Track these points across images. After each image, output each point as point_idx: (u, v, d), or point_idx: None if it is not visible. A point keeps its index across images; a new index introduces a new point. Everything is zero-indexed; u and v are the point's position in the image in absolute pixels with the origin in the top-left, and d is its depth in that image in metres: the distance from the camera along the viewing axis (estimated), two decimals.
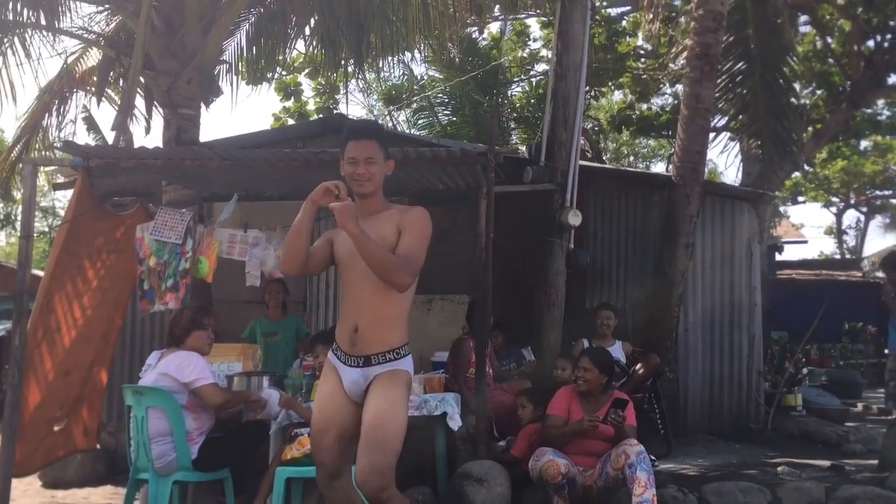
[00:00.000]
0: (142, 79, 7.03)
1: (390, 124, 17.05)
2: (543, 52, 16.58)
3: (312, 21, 7.74)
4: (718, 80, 9.20)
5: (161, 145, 6.55)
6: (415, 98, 15.85)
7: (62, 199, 22.16)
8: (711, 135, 10.03)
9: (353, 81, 12.50)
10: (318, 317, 7.82)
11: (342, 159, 3.46)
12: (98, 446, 5.99)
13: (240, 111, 65.81)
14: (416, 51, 8.92)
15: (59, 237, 5.51)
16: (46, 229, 24.63)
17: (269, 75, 10.10)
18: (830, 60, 14.91)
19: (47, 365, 5.33)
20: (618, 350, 7.05)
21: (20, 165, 8.67)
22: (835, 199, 29.98)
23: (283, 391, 5.29)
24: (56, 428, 5.44)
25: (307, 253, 3.41)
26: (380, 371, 3.36)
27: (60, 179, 8.61)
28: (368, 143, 3.41)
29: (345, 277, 3.49)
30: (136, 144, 7.66)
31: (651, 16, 10.60)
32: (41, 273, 5.96)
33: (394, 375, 3.36)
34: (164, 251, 5.76)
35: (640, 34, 15.74)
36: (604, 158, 19.16)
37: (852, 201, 30.27)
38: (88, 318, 5.58)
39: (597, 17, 14.07)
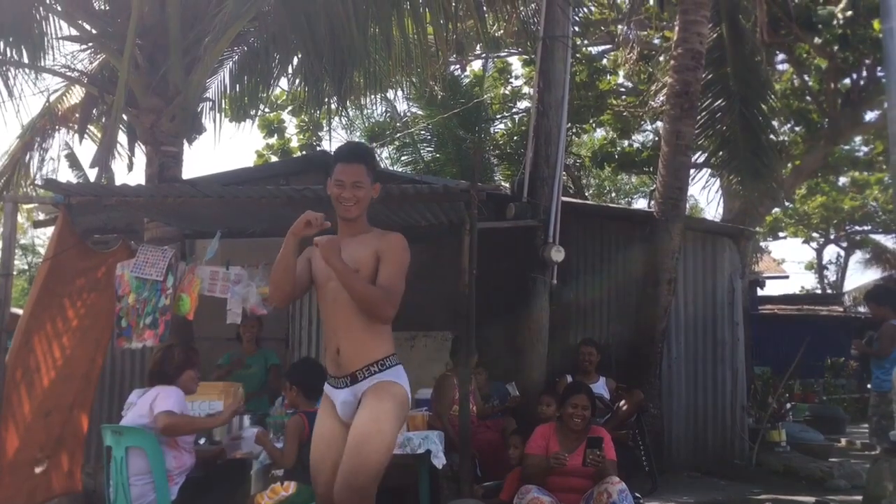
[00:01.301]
0: (124, 116, 7.03)
1: None
2: (525, 90, 16.73)
3: (295, 59, 7.78)
4: (698, 117, 9.29)
5: (143, 182, 6.53)
6: (398, 135, 15.92)
7: (42, 237, 22.00)
8: (692, 171, 10.10)
9: (336, 118, 12.59)
10: (301, 353, 7.76)
11: (330, 179, 3.46)
12: (81, 489, 5.84)
13: (223, 148, 65.89)
14: (398, 88, 8.98)
15: (40, 275, 5.46)
16: (26, 267, 24.40)
17: (252, 112, 10.13)
18: (808, 98, 15.13)
19: (26, 407, 5.25)
20: (601, 386, 7.04)
21: (0, 203, 8.63)
22: (815, 235, 30.24)
23: (265, 429, 5.24)
24: (38, 470, 5.33)
25: (294, 284, 3.42)
26: (368, 386, 3.34)
27: (41, 217, 8.57)
28: (357, 167, 3.43)
29: (321, 297, 3.49)
30: (119, 181, 7.66)
31: (629, 52, 10.73)
32: (20, 311, 5.89)
33: (380, 389, 3.32)
34: (144, 288, 5.73)
35: (620, 72, 15.94)
36: (586, 194, 19.28)
37: (832, 237, 30.54)
38: (68, 357, 5.52)
39: (577, 55, 14.24)
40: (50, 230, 6.03)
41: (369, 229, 3.53)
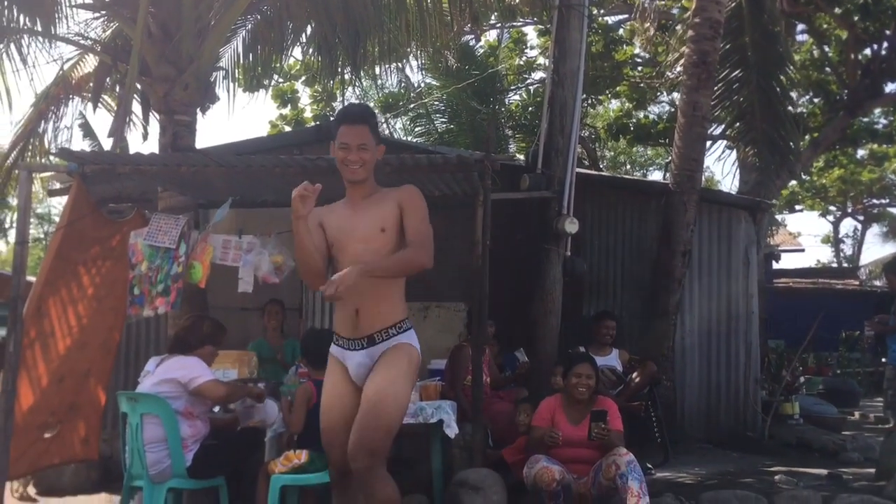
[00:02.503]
0: (138, 85, 7.01)
1: (387, 131, 17.05)
2: (540, 60, 16.60)
3: (309, 28, 7.73)
4: (715, 88, 9.20)
5: (157, 151, 6.54)
6: (412, 105, 15.85)
7: (57, 206, 22.06)
8: (708, 143, 10.04)
9: (350, 89, 12.54)
10: (315, 323, 7.81)
11: (333, 142, 3.45)
12: (97, 457, 5.90)
13: (236, 118, 65.74)
14: (412, 58, 8.92)
15: (54, 243, 5.48)
16: (42, 236, 24.57)
17: (266, 82, 10.09)
18: (827, 69, 14.94)
19: (40, 368, 5.28)
20: (614, 358, 7.03)
21: (16, 172, 8.65)
22: (832, 208, 30.04)
23: (279, 398, 5.27)
24: (46, 435, 5.38)
25: (325, 263, 3.41)
26: (385, 348, 3.37)
27: (56, 186, 8.58)
28: (361, 128, 3.41)
29: (339, 259, 3.47)
30: (134, 150, 7.65)
31: (647, 23, 10.62)
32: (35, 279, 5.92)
33: (397, 351, 3.37)
34: (156, 256, 5.74)
35: (637, 42, 15.76)
36: (601, 166, 19.18)
37: (849, 210, 30.33)
38: (84, 325, 5.54)
39: (594, 25, 14.09)
40: (65, 199, 6.03)
41: (378, 189, 3.52)
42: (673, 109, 15.64)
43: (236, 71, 8.72)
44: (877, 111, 16.38)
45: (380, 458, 3.20)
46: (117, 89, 8.41)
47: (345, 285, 3.09)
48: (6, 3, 6.88)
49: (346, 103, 17.27)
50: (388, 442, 3.24)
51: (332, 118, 15.83)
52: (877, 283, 18.56)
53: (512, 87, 17.02)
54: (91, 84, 8.44)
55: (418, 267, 3.28)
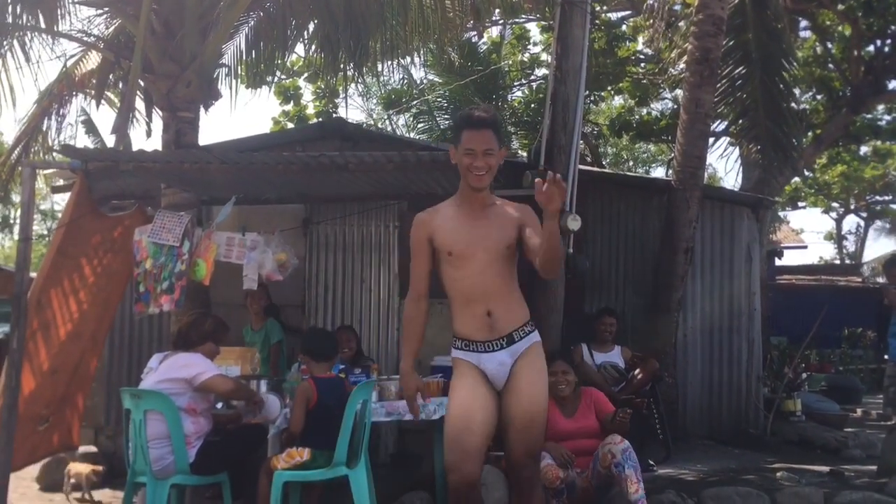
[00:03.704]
0: (141, 82, 7.02)
1: (390, 128, 17.06)
2: (543, 57, 16.58)
3: (312, 25, 7.73)
4: (718, 85, 9.18)
5: (160, 148, 6.55)
6: (414, 102, 15.85)
7: (61, 203, 22.13)
8: (711, 139, 10.01)
9: (353, 85, 12.53)
10: (317, 320, 7.82)
11: (455, 147, 3.41)
12: (78, 444, 5.93)
13: (239, 115, 65.90)
14: (415, 55, 8.91)
15: (56, 239, 5.50)
16: (45, 232, 24.62)
17: (269, 79, 10.09)
18: (830, 65, 14.91)
19: (42, 356, 5.31)
20: (617, 355, 7.05)
21: (19, 169, 8.66)
22: (835, 205, 30.01)
23: (281, 395, 5.29)
24: (40, 427, 5.41)
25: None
26: (528, 344, 3.50)
27: (59, 182, 8.59)
28: (487, 133, 3.37)
29: (462, 267, 3.45)
30: (137, 147, 7.67)
31: (654, 23, 10.61)
32: None
33: (537, 349, 3.53)
34: (160, 254, 5.75)
35: (640, 39, 15.75)
36: (603, 163, 19.18)
37: (852, 206, 30.31)
38: (84, 312, 5.56)
39: (597, 21, 14.07)
40: (68, 195, 6.04)
41: (495, 199, 3.54)
42: (676, 106, 15.63)
43: (239, 67, 8.72)
44: (880, 108, 16.35)
45: (539, 459, 3.52)
46: (120, 86, 8.41)
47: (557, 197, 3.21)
48: (10, 0, 6.89)
49: (348, 100, 17.33)
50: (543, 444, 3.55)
51: (334, 114, 15.88)
52: (879, 279, 18.54)
53: (514, 84, 17.01)
54: (94, 81, 8.45)
55: (559, 265, 3.47)
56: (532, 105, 15.89)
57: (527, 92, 16.83)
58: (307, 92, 17.26)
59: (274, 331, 7.04)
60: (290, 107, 17.22)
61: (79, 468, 6.12)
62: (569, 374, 5.19)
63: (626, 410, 4.96)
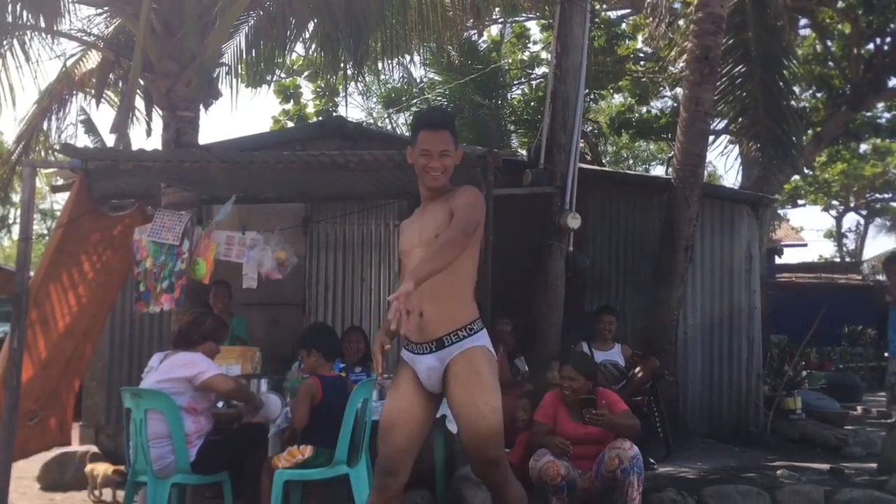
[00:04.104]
0: (141, 81, 7.02)
1: (390, 127, 17.06)
2: (543, 55, 16.59)
3: (311, 23, 7.73)
4: (718, 83, 9.18)
5: (160, 147, 6.54)
6: (414, 101, 15.84)
7: (61, 202, 22.11)
8: (711, 138, 10.01)
9: (353, 84, 12.51)
10: (317, 317, 7.83)
11: (412, 147, 3.40)
12: (70, 442, 5.93)
13: (239, 114, 65.89)
14: (415, 53, 8.91)
15: (54, 239, 5.50)
16: (45, 232, 24.62)
17: (269, 78, 10.08)
18: (830, 63, 14.91)
19: (40, 346, 5.31)
20: (617, 353, 7.05)
21: (19, 168, 8.66)
22: (834, 203, 29.99)
23: (282, 394, 5.29)
24: (30, 422, 5.40)
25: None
26: (458, 351, 3.28)
27: (59, 182, 8.59)
28: (442, 134, 3.36)
29: (407, 264, 3.46)
30: (138, 146, 7.67)
31: (655, 20, 10.60)
32: None
33: (474, 356, 3.28)
34: (161, 253, 5.75)
35: (639, 37, 15.75)
36: (603, 161, 19.15)
37: (852, 204, 30.29)
38: (82, 307, 5.56)
39: (596, 19, 14.07)
40: (68, 195, 6.04)
41: (449, 189, 3.45)
42: (675, 104, 15.62)
43: (239, 66, 8.71)
44: (880, 106, 16.35)
45: (506, 465, 3.25)
46: (120, 85, 8.41)
47: (404, 306, 2.87)
48: None
49: (348, 98, 17.33)
50: (502, 447, 3.26)
51: (334, 113, 15.88)
52: (880, 277, 18.54)
53: (514, 83, 17.01)
54: (94, 80, 8.45)
55: (458, 245, 3.10)
56: (532, 103, 15.89)
57: (527, 90, 16.83)
58: (307, 91, 17.30)
59: (240, 326, 7.01)
60: (290, 105, 17.23)
61: (100, 468, 6.11)
62: (576, 381, 5.13)
63: (590, 411, 4.91)
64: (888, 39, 13.79)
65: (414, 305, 2.91)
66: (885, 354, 7.74)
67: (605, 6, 14.97)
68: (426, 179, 3.40)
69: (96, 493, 6.10)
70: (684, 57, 9.48)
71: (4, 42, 7.38)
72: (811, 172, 22.65)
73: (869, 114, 16.12)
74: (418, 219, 3.50)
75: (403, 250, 3.48)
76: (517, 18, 15.74)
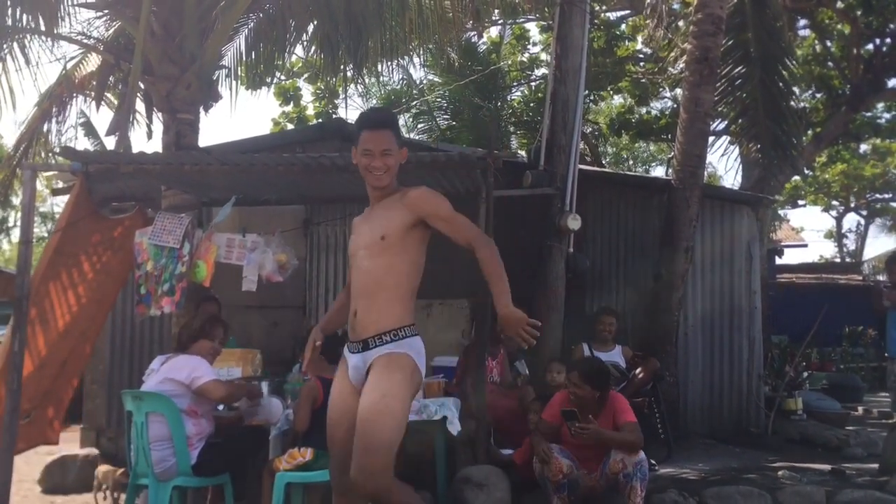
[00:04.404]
0: (141, 84, 7.02)
1: None
2: (543, 57, 16.60)
3: (311, 26, 7.73)
4: (718, 84, 9.19)
5: (160, 150, 6.55)
6: (414, 102, 15.85)
7: (61, 205, 22.10)
8: (711, 138, 10.01)
9: (353, 86, 12.53)
10: (317, 320, 7.81)
11: (355, 148, 3.40)
12: (59, 442, 5.91)
13: (239, 116, 65.85)
14: (414, 55, 8.92)
15: (52, 241, 5.51)
16: (45, 235, 24.62)
17: (269, 80, 10.11)
18: (830, 64, 14.92)
19: (39, 342, 5.31)
20: (617, 354, 7.04)
21: (20, 171, 8.66)
22: (835, 203, 30.00)
23: (283, 397, 5.29)
24: (22, 422, 5.39)
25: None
26: (377, 355, 3.22)
27: (60, 185, 8.60)
28: (384, 133, 3.35)
29: (351, 264, 3.47)
30: (138, 149, 7.65)
31: (654, 22, 10.61)
32: None
33: (390, 360, 3.20)
34: (161, 255, 5.75)
35: (639, 38, 15.75)
36: (603, 162, 19.17)
37: (852, 205, 30.29)
38: (82, 306, 5.56)
39: (596, 21, 14.08)
40: (68, 197, 6.04)
41: (396, 190, 3.43)
42: (675, 105, 15.63)
43: (239, 69, 8.72)
44: (879, 106, 16.38)
45: (384, 479, 3.07)
46: (120, 88, 8.41)
47: (517, 326, 3.26)
48: (9, 2, 6.89)
49: (348, 100, 17.33)
50: (389, 460, 3.10)
51: (334, 115, 15.89)
52: (880, 277, 18.53)
53: (514, 84, 17.01)
54: (94, 83, 8.45)
55: (489, 244, 3.28)
56: (532, 105, 15.90)
57: (526, 92, 16.84)
58: (307, 93, 17.30)
59: (230, 344, 6.97)
60: (289, 108, 17.24)
61: (104, 469, 6.10)
62: (580, 389, 5.04)
63: (573, 424, 4.86)
64: (888, 40, 13.80)
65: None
66: (886, 355, 7.71)
67: (604, 7, 14.99)
68: (370, 179, 3.40)
69: (104, 494, 6.09)
70: (684, 58, 9.49)
71: (4, 45, 7.39)
72: (811, 173, 22.68)
73: (869, 114, 16.14)
74: (366, 220, 3.48)
75: (351, 252, 3.47)
76: (517, 20, 15.76)
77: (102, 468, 6.12)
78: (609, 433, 4.91)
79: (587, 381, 5.05)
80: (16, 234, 23.95)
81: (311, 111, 17.20)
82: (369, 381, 3.21)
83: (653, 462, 6.37)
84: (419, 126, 15.87)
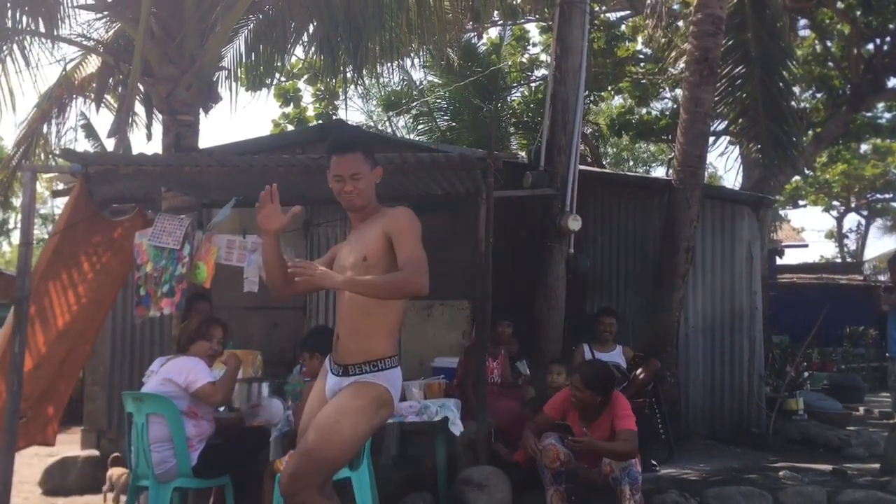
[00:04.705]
0: (141, 85, 7.03)
1: (390, 130, 17.07)
2: (543, 57, 16.59)
3: (311, 27, 7.74)
4: (718, 84, 9.19)
5: (160, 152, 6.55)
6: (414, 103, 15.85)
7: (61, 207, 22.11)
8: (711, 139, 10.02)
9: (352, 87, 12.53)
10: (318, 322, 7.82)
11: (328, 172, 3.39)
12: (55, 443, 5.90)
13: (239, 117, 65.85)
14: (414, 56, 8.92)
15: (51, 243, 5.51)
16: (46, 236, 24.62)
17: (268, 81, 10.10)
18: (830, 64, 14.91)
19: (39, 340, 5.31)
20: (618, 355, 7.03)
21: (20, 173, 8.66)
22: (835, 203, 30.00)
23: (283, 398, 5.29)
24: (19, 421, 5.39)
25: (284, 277, 3.34)
26: (349, 381, 3.26)
27: (60, 186, 8.60)
28: (352, 157, 3.32)
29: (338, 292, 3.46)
30: (138, 151, 7.66)
31: (653, 22, 10.61)
32: None
33: (360, 387, 3.22)
34: (161, 257, 5.75)
35: (639, 38, 15.75)
36: (603, 163, 19.16)
37: (853, 205, 30.28)
38: (82, 306, 5.55)
39: (596, 21, 14.08)
40: (68, 199, 6.04)
41: (377, 209, 3.41)
42: (675, 105, 15.63)
43: (238, 70, 8.73)
44: (880, 106, 16.37)
45: (304, 485, 3.07)
46: (120, 90, 8.42)
47: (315, 277, 2.98)
48: (9, 4, 6.89)
49: (348, 102, 17.32)
50: (318, 474, 3.11)
51: (334, 116, 15.89)
52: (881, 277, 18.54)
53: (514, 85, 17.01)
54: (94, 85, 8.46)
55: (410, 292, 3.06)
56: (532, 106, 15.89)
57: (526, 92, 16.84)
58: (307, 94, 17.30)
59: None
60: (289, 109, 17.24)
61: (118, 472, 6.09)
62: (581, 392, 5.03)
63: (568, 438, 4.86)
64: (888, 39, 13.78)
65: (314, 272, 2.99)
66: (887, 355, 7.71)
67: (604, 8, 14.99)
68: (343, 202, 3.38)
69: (116, 497, 6.07)
70: (684, 58, 9.49)
71: (4, 47, 7.40)
72: (812, 173, 22.67)
73: (869, 114, 16.12)
74: (348, 243, 3.48)
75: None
76: (516, 21, 15.76)
77: (116, 470, 6.10)
78: (602, 444, 4.89)
79: (589, 387, 5.03)
80: (16, 236, 23.95)
81: (311, 112, 17.21)
82: (336, 398, 3.25)
83: (654, 462, 6.37)
84: (419, 127, 15.89)
